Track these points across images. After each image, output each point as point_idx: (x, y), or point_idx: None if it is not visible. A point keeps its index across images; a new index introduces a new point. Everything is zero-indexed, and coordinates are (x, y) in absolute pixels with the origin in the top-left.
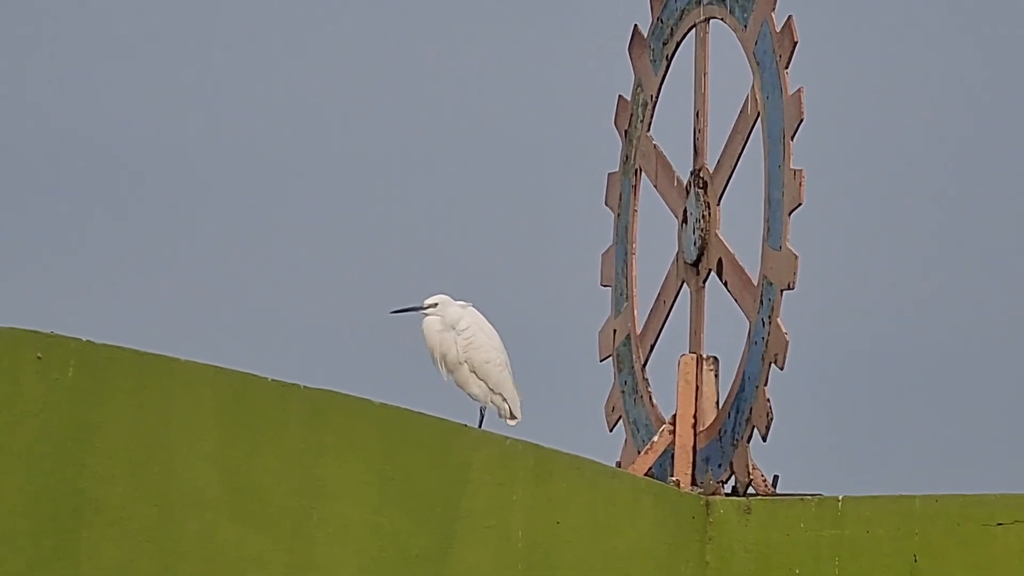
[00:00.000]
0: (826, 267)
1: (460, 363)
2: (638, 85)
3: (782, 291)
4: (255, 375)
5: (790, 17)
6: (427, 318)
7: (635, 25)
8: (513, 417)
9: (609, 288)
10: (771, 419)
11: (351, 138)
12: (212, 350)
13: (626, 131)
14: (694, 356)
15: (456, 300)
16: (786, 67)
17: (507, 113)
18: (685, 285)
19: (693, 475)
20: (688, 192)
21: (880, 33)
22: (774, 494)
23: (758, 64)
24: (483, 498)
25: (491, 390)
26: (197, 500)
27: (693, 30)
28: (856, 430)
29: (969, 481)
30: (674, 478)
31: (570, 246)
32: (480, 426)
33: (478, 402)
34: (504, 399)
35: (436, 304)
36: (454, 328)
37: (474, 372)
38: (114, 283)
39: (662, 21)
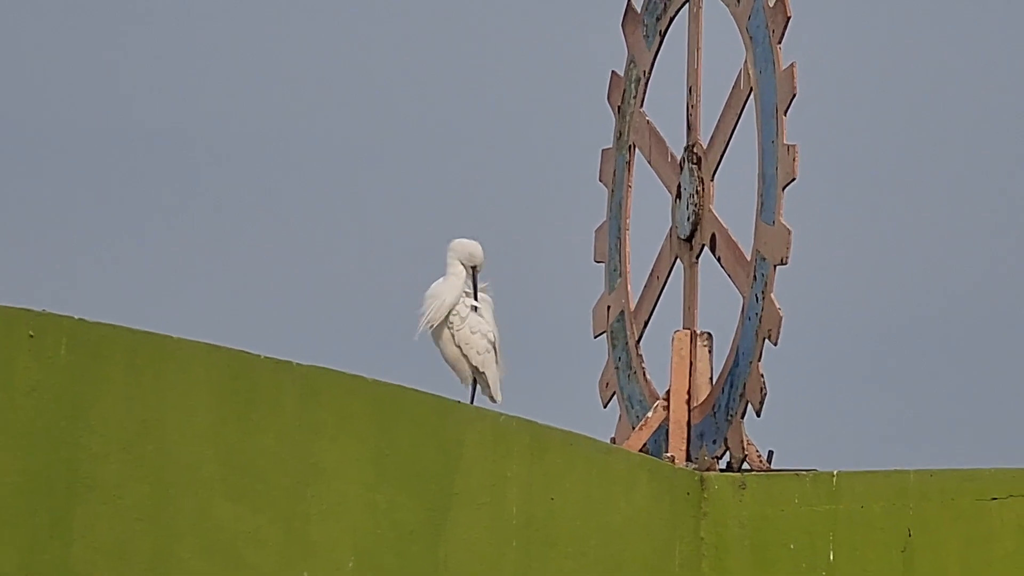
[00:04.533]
0: (820, 242)
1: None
2: (631, 61)
3: (775, 266)
4: (248, 352)
5: None
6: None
7: (628, 0)
8: (492, 399)
9: (603, 264)
10: (765, 394)
11: (347, 113)
12: (203, 328)
13: (619, 107)
14: (688, 332)
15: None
16: (779, 42)
17: (500, 89)
18: (679, 261)
19: (688, 451)
20: (682, 167)
21: (873, 6)
22: (769, 469)
23: (751, 39)
24: (477, 475)
25: (474, 368)
26: (192, 478)
27: (686, 5)
28: (850, 405)
29: (964, 456)
30: (669, 454)
31: (563, 222)
32: (472, 402)
33: (462, 379)
34: (487, 381)
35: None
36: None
37: (459, 348)
38: (105, 261)
39: None
